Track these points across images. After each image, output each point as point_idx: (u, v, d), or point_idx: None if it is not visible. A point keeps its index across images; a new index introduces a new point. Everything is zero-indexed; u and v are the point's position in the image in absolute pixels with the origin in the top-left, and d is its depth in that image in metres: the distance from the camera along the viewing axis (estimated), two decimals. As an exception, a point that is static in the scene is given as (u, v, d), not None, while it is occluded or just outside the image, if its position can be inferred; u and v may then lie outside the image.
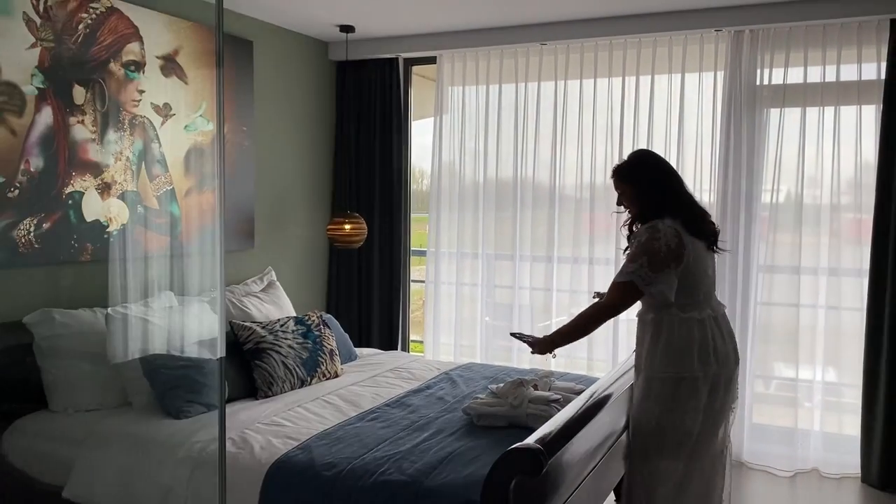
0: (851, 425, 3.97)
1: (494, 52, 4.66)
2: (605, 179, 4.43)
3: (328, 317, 3.94)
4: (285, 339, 3.38)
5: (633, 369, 2.68)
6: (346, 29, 4.53)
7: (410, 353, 5.04)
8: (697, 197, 4.21)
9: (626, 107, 4.34)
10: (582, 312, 2.63)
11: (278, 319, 3.52)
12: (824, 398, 4.07)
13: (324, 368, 3.48)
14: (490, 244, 4.77)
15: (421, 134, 5.26)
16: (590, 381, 3.36)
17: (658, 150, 4.24)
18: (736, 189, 4.10)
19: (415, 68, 5.05)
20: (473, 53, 4.70)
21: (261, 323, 3.43)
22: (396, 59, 4.87)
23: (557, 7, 4.05)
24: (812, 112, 3.97)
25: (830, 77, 3.91)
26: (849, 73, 3.88)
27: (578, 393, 2.84)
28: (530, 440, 2.03)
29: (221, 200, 2.26)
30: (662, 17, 4.09)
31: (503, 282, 4.81)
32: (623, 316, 4.46)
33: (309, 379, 3.39)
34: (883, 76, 3.75)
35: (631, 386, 2.74)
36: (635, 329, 4.37)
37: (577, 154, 4.49)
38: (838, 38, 3.87)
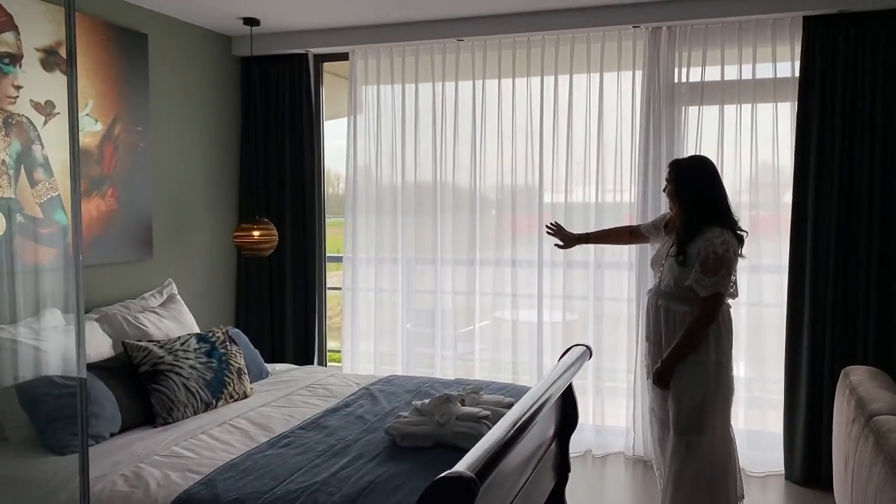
0: (775, 422, 3.97)
1: (410, 49, 4.48)
2: (526, 180, 4.35)
3: (235, 332, 3.65)
4: (186, 358, 3.07)
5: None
6: (251, 22, 4.24)
7: (328, 366, 4.79)
8: (618, 197, 4.30)
9: (545, 107, 4.27)
10: (687, 330, 2.82)
11: (179, 337, 3.21)
12: (748, 395, 4.06)
13: (231, 389, 3.19)
14: (410, 248, 4.59)
15: (334, 135, 5.03)
16: (517, 390, 3.21)
17: (578, 150, 4.24)
18: (656, 187, 4.06)
19: (326, 65, 4.81)
20: (388, 50, 4.51)
21: (158, 342, 3.11)
22: (306, 54, 4.61)
23: (474, 2, 3.91)
24: (730, 110, 3.97)
25: (747, 75, 3.92)
26: (764, 70, 3.90)
27: (508, 406, 2.68)
28: (460, 466, 1.84)
29: (77, 202, 2.00)
30: (580, 12, 4.01)
31: (424, 287, 4.65)
32: (547, 318, 4.49)
33: (214, 402, 3.10)
34: (797, 74, 3.77)
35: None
36: (560, 332, 4.45)
37: (497, 155, 4.38)
38: (754, 35, 3.88)
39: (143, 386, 2.94)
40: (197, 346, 3.17)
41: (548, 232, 3.42)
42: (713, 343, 2.82)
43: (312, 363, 4.66)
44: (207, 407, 3.06)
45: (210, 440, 2.69)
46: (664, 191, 3.04)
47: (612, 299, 4.29)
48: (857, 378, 2.68)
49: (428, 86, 4.49)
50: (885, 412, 2.25)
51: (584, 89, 4.20)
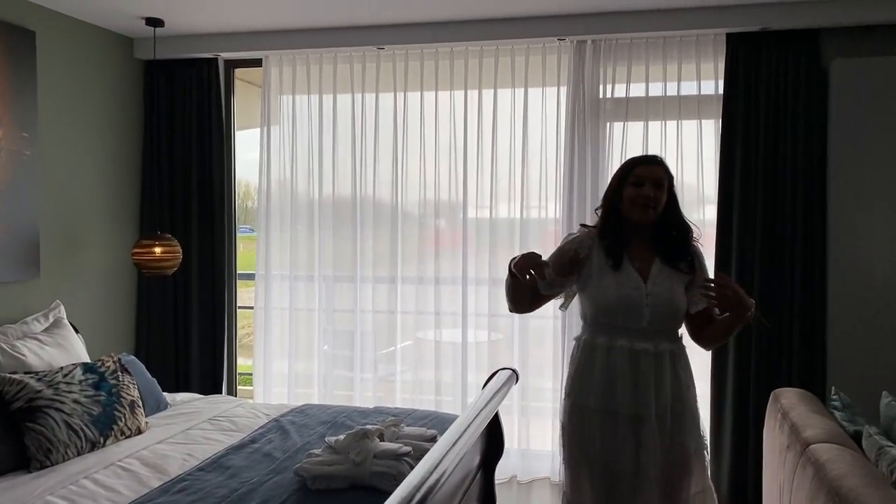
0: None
1: (328, 57, 4.26)
2: (449, 195, 4.20)
3: (130, 359, 3.31)
4: (70, 392, 2.73)
5: (659, 401, 2.22)
6: (154, 22, 3.93)
7: (237, 394, 4.48)
8: (542, 213, 4.20)
9: (469, 121, 4.14)
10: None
11: (62, 368, 2.86)
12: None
13: (122, 425, 2.86)
14: (328, 265, 4.36)
15: (247, 146, 4.75)
16: (441, 420, 3.01)
17: (503, 165, 4.12)
18: (581, 204, 3.98)
19: (238, 71, 4.54)
20: (304, 56, 4.28)
21: (37, 373, 2.75)
22: (216, 59, 4.33)
23: (395, 9, 3.73)
24: (654, 126, 3.92)
25: (672, 91, 3.89)
26: (689, 87, 3.87)
27: (431, 439, 2.48)
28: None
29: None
30: (504, 23, 3.90)
31: (343, 305, 4.42)
32: (472, 338, 4.33)
33: (102, 440, 2.76)
34: (721, 91, 3.76)
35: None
36: (485, 352, 4.29)
37: (420, 169, 4.22)
38: (678, 51, 3.85)
39: (16, 425, 2.58)
40: (83, 378, 2.83)
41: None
42: (693, 384, 2.36)
43: (221, 391, 4.33)
44: (94, 446, 2.73)
45: (93, 486, 2.37)
46: (658, 186, 2.25)
47: (538, 317, 4.16)
48: (788, 402, 2.60)
49: (347, 97, 4.28)
50: (821, 440, 2.17)
51: (508, 104, 4.09)
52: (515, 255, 2.21)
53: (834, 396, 2.65)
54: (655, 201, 2.24)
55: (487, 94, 4.11)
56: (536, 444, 4.13)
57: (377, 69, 4.24)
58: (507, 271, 2.28)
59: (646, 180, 2.24)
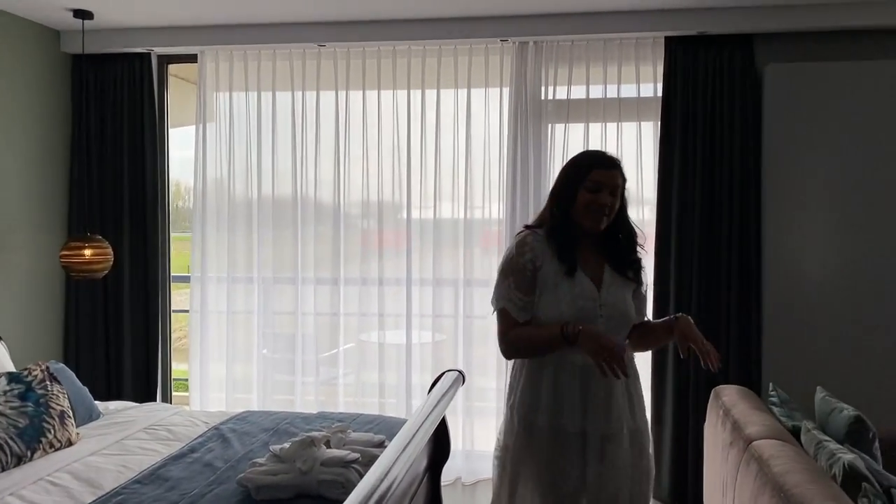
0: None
1: (266, 53, 4.17)
2: (392, 196, 4.15)
3: (59, 367, 3.15)
4: (-7, 404, 2.58)
5: (610, 421, 2.07)
6: (82, 14, 3.75)
7: (172, 401, 4.33)
8: (486, 214, 4.20)
9: (412, 121, 4.11)
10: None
11: (-16, 378, 2.70)
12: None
13: (51, 437, 2.71)
14: (267, 267, 4.26)
15: (181, 144, 4.60)
16: (387, 424, 2.97)
17: (446, 166, 4.10)
18: (524, 204, 4.00)
19: (172, 67, 4.40)
20: (241, 53, 4.17)
21: (-43, 386, 2.59)
22: (149, 54, 4.18)
23: (336, 6, 3.67)
24: (595, 128, 3.97)
25: (612, 94, 3.93)
26: (629, 90, 3.93)
27: (379, 445, 2.44)
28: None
29: None
30: (447, 23, 3.89)
31: (283, 308, 4.34)
32: (416, 339, 4.29)
33: (29, 454, 2.61)
34: (660, 94, 3.82)
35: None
36: (429, 353, 4.26)
37: (363, 169, 4.17)
38: (618, 54, 3.91)
39: (-66, 441, 2.43)
40: (7, 388, 2.67)
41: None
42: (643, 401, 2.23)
43: (155, 398, 4.18)
44: (20, 461, 2.58)
45: (20, 504, 2.24)
46: (604, 204, 2.06)
47: (482, 317, 4.16)
48: (730, 399, 2.66)
49: (287, 94, 4.19)
50: (763, 436, 2.22)
51: (451, 104, 4.08)
52: (602, 341, 1.91)
53: (772, 392, 2.72)
54: (610, 209, 2.08)
55: (431, 94, 4.09)
56: (481, 444, 4.13)
57: (318, 67, 4.17)
58: (556, 335, 1.98)
59: (603, 186, 2.06)
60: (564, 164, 2.24)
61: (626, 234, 2.17)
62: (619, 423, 2.07)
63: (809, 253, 3.60)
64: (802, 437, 2.31)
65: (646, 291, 2.28)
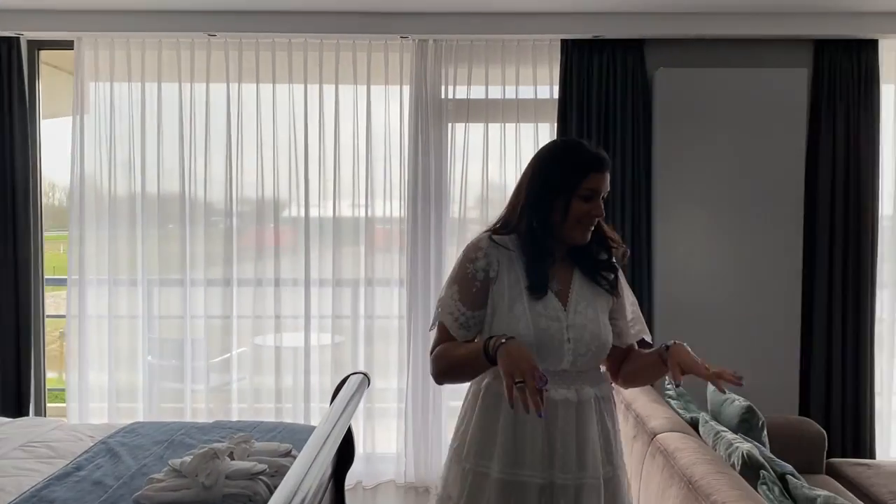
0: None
1: (151, 42, 3.95)
2: (289, 193, 4.04)
3: (-81, 383, 2.84)
4: None
5: (584, 468, 1.67)
6: (-61, -8, 3.41)
7: (47, 412, 4.01)
8: (387, 212, 4.14)
9: (310, 116, 4.01)
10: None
11: None
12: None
13: (-89, 462, 2.44)
14: (152, 268, 4.05)
15: (55, 137, 4.27)
16: (291, 431, 2.86)
17: (346, 164, 4.02)
18: (426, 203, 3.98)
19: (43, 53, 4.09)
20: (124, 40, 3.93)
21: None
22: (17, 38, 3.85)
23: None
24: (494, 128, 4.00)
25: (510, 94, 3.99)
26: (526, 91, 3.99)
27: (285, 454, 2.34)
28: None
29: None
30: (344, 16, 3.84)
31: (171, 311, 4.12)
32: (314, 342, 4.18)
33: None
34: (556, 95, 3.90)
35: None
36: (328, 355, 4.15)
37: (257, 165, 4.03)
38: (517, 55, 3.96)
39: None
40: None
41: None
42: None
43: (27, 411, 3.86)
44: None
45: None
46: (598, 215, 1.73)
47: (383, 317, 4.11)
48: (630, 393, 2.75)
49: (174, 86, 3.98)
50: (666, 429, 2.30)
51: (351, 100, 4.00)
52: (523, 361, 1.48)
53: (668, 386, 2.84)
54: (600, 218, 1.74)
55: (329, 89, 4.00)
56: (381, 446, 4.08)
57: (208, 58, 3.98)
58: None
59: (597, 193, 1.71)
60: (541, 158, 1.77)
61: (599, 238, 1.79)
62: (590, 469, 1.66)
63: (696, 251, 3.79)
64: (700, 429, 2.42)
65: (633, 307, 1.84)
